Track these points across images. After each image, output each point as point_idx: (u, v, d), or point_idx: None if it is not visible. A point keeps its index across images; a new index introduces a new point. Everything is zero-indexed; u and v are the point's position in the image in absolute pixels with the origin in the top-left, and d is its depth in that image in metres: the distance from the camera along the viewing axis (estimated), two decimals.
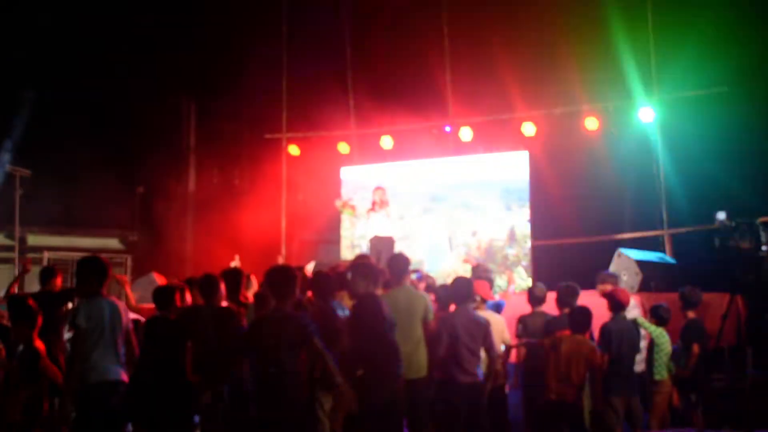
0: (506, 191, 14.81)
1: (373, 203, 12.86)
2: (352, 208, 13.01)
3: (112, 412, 6.69)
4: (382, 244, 12.42)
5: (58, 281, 9.71)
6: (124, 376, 6.75)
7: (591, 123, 14.23)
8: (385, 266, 8.43)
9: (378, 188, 12.98)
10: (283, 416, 6.06)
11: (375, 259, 9.84)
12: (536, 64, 14.47)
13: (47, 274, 9.55)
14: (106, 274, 6.93)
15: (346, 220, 15.99)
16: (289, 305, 6.38)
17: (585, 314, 8.21)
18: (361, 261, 7.89)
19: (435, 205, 15.42)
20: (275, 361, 6.08)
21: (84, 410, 6.71)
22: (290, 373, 6.11)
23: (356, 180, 16.14)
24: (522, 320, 9.17)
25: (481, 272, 10.26)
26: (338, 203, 13.37)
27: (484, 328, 7.82)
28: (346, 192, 15.94)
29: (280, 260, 15.64)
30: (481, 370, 7.83)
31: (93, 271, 6.95)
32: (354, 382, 6.79)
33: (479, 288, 8.51)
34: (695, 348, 8.74)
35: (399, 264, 8.22)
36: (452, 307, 8.01)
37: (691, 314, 9.01)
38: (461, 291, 7.96)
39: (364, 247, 14.66)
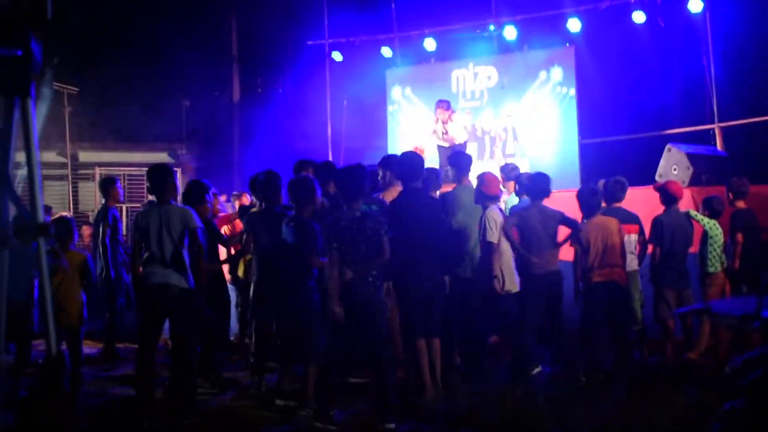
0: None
1: (437, 121, 12.82)
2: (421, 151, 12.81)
3: (163, 315, 6.85)
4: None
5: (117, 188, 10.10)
6: (177, 280, 6.81)
7: (638, 16, 13.92)
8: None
9: (439, 106, 12.83)
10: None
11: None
12: None
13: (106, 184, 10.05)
14: (158, 183, 6.98)
15: (392, 125, 15.99)
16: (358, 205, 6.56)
17: (589, 192, 8.21)
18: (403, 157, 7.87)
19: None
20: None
21: (144, 313, 6.91)
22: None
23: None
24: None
25: (508, 171, 10.25)
26: None
27: (559, 216, 7.83)
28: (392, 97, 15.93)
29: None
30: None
31: (150, 181, 7.07)
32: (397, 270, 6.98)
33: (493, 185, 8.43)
34: (739, 237, 8.67)
35: (462, 162, 8.31)
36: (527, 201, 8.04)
37: (740, 204, 8.92)
38: (538, 186, 7.95)
39: None
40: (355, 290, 6.32)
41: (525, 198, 9.52)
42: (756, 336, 7.75)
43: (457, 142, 12.75)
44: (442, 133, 12.78)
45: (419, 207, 7.21)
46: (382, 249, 6.40)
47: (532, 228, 7.72)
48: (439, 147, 12.91)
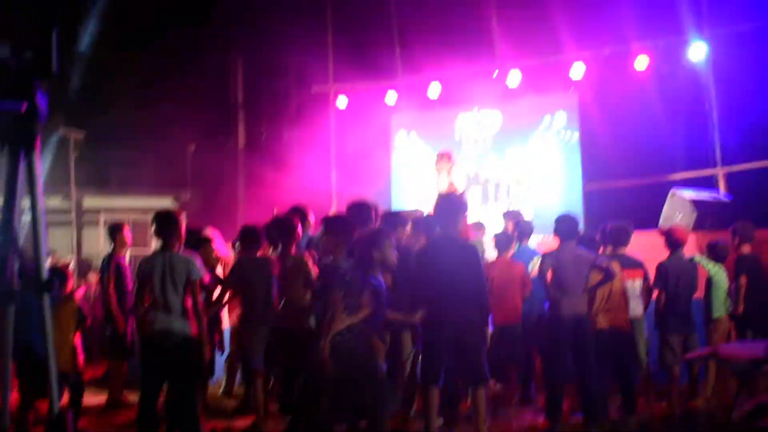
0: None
1: (440, 172, 12.86)
2: None
3: (165, 361, 6.80)
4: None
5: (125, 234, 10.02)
6: (178, 327, 6.79)
7: (641, 62, 13.99)
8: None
9: (442, 158, 12.86)
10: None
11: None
12: (584, 2, 14.25)
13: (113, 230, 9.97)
14: (164, 229, 7.02)
15: (397, 170, 16.03)
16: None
17: (587, 242, 8.21)
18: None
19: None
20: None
21: (146, 360, 6.92)
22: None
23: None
24: None
25: (512, 217, 10.28)
26: None
27: (592, 260, 7.79)
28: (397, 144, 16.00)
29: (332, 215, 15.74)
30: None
31: (156, 227, 7.12)
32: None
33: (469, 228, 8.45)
34: (742, 280, 8.67)
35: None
36: (556, 244, 8.01)
37: (745, 249, 8.92)
38: (567, 228, 7.94)
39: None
40: (346, 339, 6.26)
41: (525, 244, 9.58)
42: (762, 382, 7.72)
43: (459, 192, 12.82)
44: (449, 185, 12.83)
45: (449, 251, 7.17)
46: (367, 301, 6.35)
47: (564, 270, 7.68)
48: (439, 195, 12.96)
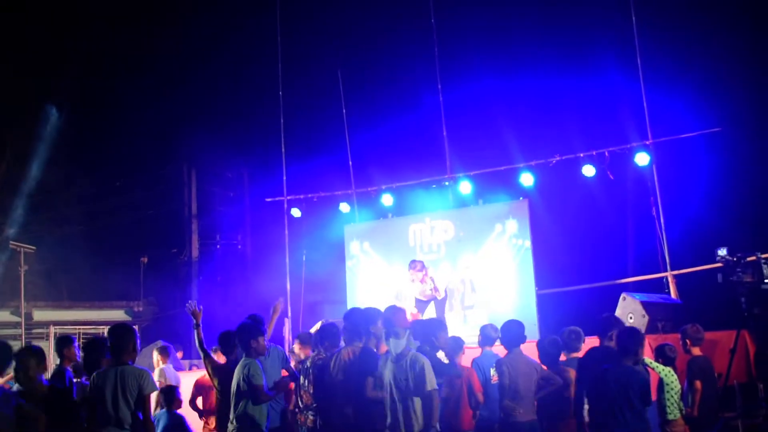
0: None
1: (422, 280, 12.99)
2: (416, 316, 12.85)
3: None
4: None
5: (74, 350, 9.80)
6: None
7: (588, 170, 14.28)
8: None
9: (415, 267, 13.01)
10: None
11: None
12: (532, 113, 14.62)
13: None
14: (118, 343, 7.00)
15: (351, 280, 16.03)
16: None
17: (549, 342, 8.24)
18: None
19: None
20: None
21: None
22: None
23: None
24: None
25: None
26: None
27: (539, 367, 7.82)
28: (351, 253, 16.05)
29: (287, 323, 15.65)
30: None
31: (110, 340, 7.08)
32: None
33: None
34: (697, 384, 8.71)
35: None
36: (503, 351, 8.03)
37: (696, 351, 9.00)
38: (512, 335, 7.97)
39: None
40: None
41: (487, 350, 9.55)
42: None
43: (440, 297, 12.95)
44: (431, 289, 12.92)
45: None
46: None
47: (516, 377, 7.70)
48: (418, 300, 13.02)
